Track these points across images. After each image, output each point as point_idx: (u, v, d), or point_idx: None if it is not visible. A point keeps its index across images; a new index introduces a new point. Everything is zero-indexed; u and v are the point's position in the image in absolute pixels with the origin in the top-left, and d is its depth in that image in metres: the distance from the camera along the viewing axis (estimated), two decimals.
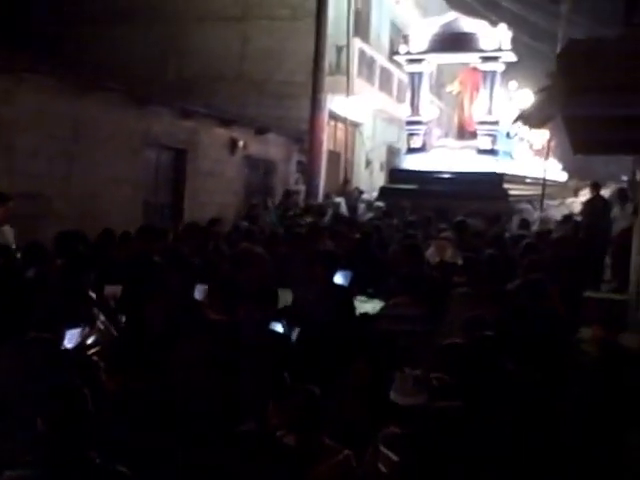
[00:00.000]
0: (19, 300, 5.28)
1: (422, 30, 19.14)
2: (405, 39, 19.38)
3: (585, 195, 17.93)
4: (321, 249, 7.66)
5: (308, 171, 18.42)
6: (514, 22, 20.19)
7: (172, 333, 5.07)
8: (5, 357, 4.30)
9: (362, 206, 17.33)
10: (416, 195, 16.25)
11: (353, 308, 6.64)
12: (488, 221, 12.60)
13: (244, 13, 19.61)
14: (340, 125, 21.82)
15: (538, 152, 25.42)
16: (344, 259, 7.44)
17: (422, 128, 19.23)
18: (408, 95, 19.72)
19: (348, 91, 19.26)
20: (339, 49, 19.70)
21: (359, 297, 7.20)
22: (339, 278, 7.00)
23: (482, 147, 18.48)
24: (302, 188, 18.38)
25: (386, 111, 23.62)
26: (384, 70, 23.17)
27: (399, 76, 23.73)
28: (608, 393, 4.75)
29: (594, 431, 4.46)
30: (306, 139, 18.41)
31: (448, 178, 17.76)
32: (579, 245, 10.86)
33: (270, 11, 19.40)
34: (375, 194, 18.78)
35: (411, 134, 19.38)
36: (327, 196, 18.15)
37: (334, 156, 21.69)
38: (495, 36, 18.22)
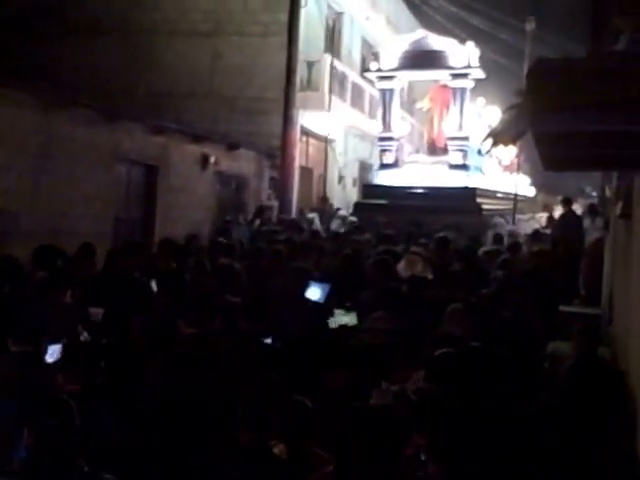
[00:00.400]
0: None
1: (392, 47, 19.49)
2: (376, 56, 19.65)
3: (559, 210, 18.21)
4: (293, 265, 7.73)
5: (280, 187, 18.42)
6: (481, 39, 20.48)
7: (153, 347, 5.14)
8: None
9: (337, 221, 17.36)
10: (390, 210, 16.43)
11: (325, 322, 6.68)
12: (467, 236, 12.73)
13: (215, 29, 19.62)
14: (312, 141, 21.85)
15: (507, 167, 25.75)
16: (327, 273, 7.69)
17: (394, 144, 19.44)
18: (380, 112, 19.95)
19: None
20: (310, 65, 19.76)
21: (337, 310, 7.22)
22: (316, 291, 7.15)
23: (453, 162, 18.72)
24: (275, 204, 18.37)
25: (358, 127, 23.70)
26: (356, 86, 23.26)
27: (371, 92, 23.84)
28: (582, 401, 4.87)
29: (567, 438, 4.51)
30: (278, 155, 18.42)
31: (421, 193, 17.96)
32: (555, 259, 10.98)
33: (241, 27, 19.43)
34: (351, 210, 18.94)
35: (383, 150, 19.59)
36: (300, 212, 18.16)
37: (306, 172, 21.71)
38: (464, 53, 18.55)
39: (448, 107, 19.07)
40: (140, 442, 4.34)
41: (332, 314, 6.92)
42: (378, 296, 6.75)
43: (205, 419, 4.58)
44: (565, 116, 2.80)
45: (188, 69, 19.23)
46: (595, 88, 2.64)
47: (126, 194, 14.26)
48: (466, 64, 18.46)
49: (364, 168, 26.22)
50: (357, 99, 23.41)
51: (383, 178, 19.27)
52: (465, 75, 18.60)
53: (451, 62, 18.57)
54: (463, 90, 18.73)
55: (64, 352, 5.02)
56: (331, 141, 23.05)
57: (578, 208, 17.91)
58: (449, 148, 18.96)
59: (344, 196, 23.39)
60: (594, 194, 18.69)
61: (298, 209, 18.64)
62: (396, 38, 20.99)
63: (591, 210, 14.64)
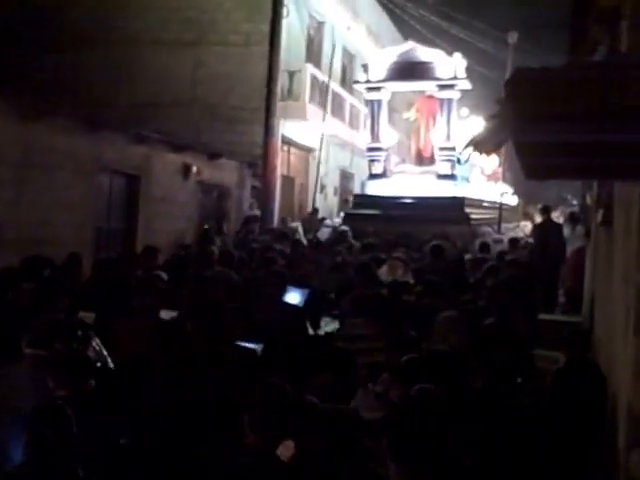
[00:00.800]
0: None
1: (381, 59, 19.62)
2: (365, 68, 19.75)
3: (539, 219, 18.51)
4: (272, 270, 7.96)
5: (262, 196, 18.43)
6: (464, 49, 20.62)
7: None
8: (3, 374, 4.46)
9: (326, 230, 17.49)
10: (380, 220, 16.64)
11: (304, 325, 6.92)
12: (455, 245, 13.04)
13: (197, 38, 19.65)
14: (293, 150, 21.90)
15: (490, 177, 25.90)
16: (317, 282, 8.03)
17: (382, 154, 19.57)
18: (368, 122, 20.08)
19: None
20: (291, 74, 19.83)
21: (324, 318, 7.52)
22: (296, 296, 7.30)
23: (441, 172, 18.87)
24: (257, 213, 18.37)
25: (339, 136, 23.77)
26: (336, 96, 23.34)
27: (351, 102, 23.95)
28: (570, 403, 4.97)
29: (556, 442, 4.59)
30: (260, 164, 18.43)
31: (410, 203, 18.15)
32: (530, 267, 11.07)
33: (223, 37, 19.47)
34: (337, 219, 19.29)
35: (372, 160, 19.69)
36: (282, 220, 18.19)
37: (288, 181, 21.74)
38: (451, 65, 18.72)
39: (434, 118, 19.30)
40: (139, 445, 4.40)
41: (317, 319, 7.04)
42: (358, 300, 6.92)
43: (209, 421, 4.61)
44: (544, 125, 2.83)
45: (170, 78, 19.23)
46: (573, 98, 2.67)
47: (108, 204, 14.20)
48: (453, 75, 18.66)
49: (345, 177, 26.34)
50: (338, 109, 23.50)
51: (372, 188, 19.42)
52: (452, 86, 18.79)
53: (438, 73, 18.76)
54: (450, 101, 18.94)
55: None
56: (312, 150, 23.13)
57: (560, 216, 18.14)
58: (436, 158, 19.12)
59: (325, 205, 23.44)
60: (575, 202, 18.81)
61: (280, 218, 18.67)
62: (384, 50, 21.05)
63: (571, 218, 14.73)
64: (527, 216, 25.39)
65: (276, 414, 3.89)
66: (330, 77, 21.20)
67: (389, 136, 20.11)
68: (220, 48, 19.33)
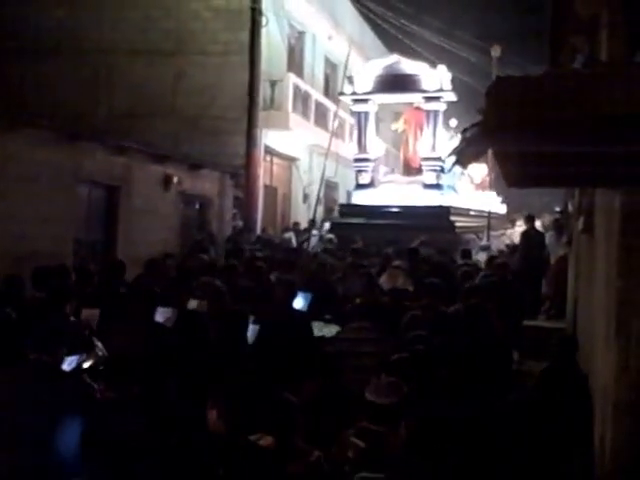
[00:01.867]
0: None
1: (367, 71, 20.11)
2: (350, 80, 20.14)
3: (521, 226, 18.96)
4: (281, 277, 8.54)
5: (245, 206, 18.36)
6: (448, 59, 20.96)
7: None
8: (7, 380, 4.62)
9: (314, 239, 17.78)
10: (367, 228, 17.17)
11: (310, 327, 7.30)
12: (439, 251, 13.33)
13: (177, 48, 19.56)
14: (276, 160, 21.86)
15: (478, 186, 26.12)
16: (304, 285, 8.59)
17: (370, 165, 20.06)
18: (355, 134, 20.56)
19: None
20: (273, 84, 19.81)
21: (317, 323, 7.83)
22: (299, 300, 7.91)
23: (428, 182, 19.35)
24: (240, 224, 18.31)
25: (322, 146, 23.72)
26: (319, 105, 23.35)
27: (335, 111, 23.94)
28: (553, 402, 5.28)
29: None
30: (242, 174, 18.36)
31: (397, 212, 18.66)
32: (516, 273, 11.34)
33: (203, 46, 19.39)
34: (326, 226, 19.86)
35: (359, 171, 20.14)
36: (263, 230, 18.14)
37: (271, 191, 21.69)
38: (436, 77, 19.24)
39: (422, 129, 19.79)
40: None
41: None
42: (362, 309, 7.25)
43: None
44: (523, 134, 2.81)
45: (150, 89, 19.13)
46: (551, 106, 2.64)
47: (87, 215, 14.08)
48: (439, 87, 19.16)
49: (329, 187, 26.27)
50: (321, 118, 23.50)
51: (360, 198, 19.89)
52: (438, 98, 19.30)
53: (424, 85, 19.27)
54: (436, 112, 19.42)
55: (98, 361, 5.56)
56: (295, 160, 23.12)
57: (545, 224, 18.50)
58: (423, 168, 19.56)
59: (308, 215, 23.37)
60: (557, 209, 18.99)
61: (262, 228, 18.62)
62: (370, 63, 21.41)
63: (556, 226, 14.81)
64: (513, 223, 25.66)
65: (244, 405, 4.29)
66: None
67: (376, 147, 20.54)
68: (200, 58, 19.24)
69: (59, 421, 4.27)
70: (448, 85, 19.29)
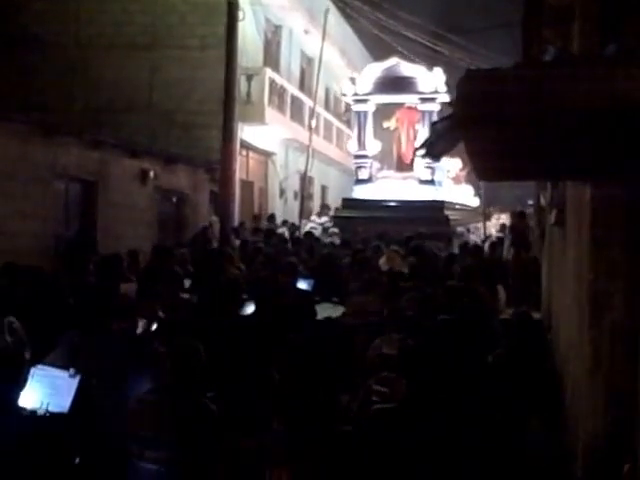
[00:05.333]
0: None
1: (367, 73, 21.71)
2: (352, 81, 21.74)
3: (499, 219, 21.51)
4: (283, 261, 9.49)
5: (221, 201, 18.30)
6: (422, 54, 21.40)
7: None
8: (94, 344, 5.46)
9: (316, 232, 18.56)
10: (367, 221, 18.17)
11: (314, 307, 7.94)
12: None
13: (153, 42, 19.45)
14: (252, 154, 21.83)
15: (454, 180, 26.37)
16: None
17: (368, 161, 21.54)
18: (355, 132, 22.11)
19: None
20: (249, 78, 19.78)
21: (324, 304, 8.39)
22: (303, 284, 8.77)
23: (423, 178, 20.83)
24: (215, 219, 18.24)
25: (298, 140, 23.74)
26: (295, 99, 23.33)
27: (310, 105, 23.92)
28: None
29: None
30: (218, 168, 18.31)
31: (395, 206, 19.97)
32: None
33: (179, 40, 19.30)
34: (323, 219, 21.32)
35: (359, 167, 21.69)
36: (241, 225, 18.10)
37: (247, 185, 21.66)
38: (432, 79, 20.74)
39: (414, 127, 21.27)
40: None
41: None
42: (364, 285, 8.13)
43: None
44: (492, 127, 2.84)
45: (126, 83, 19.01)
46: (518, 99, 2.68)
47: (65, 211, 14.05)
48: (434, 89, 20.58)
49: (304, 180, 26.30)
50: (297, 112, 23.49)
51: (359, 192, 21.27)
52: (433, 99, 20.63)
53: (420, 87, 20.76)
54: (431, 112, 20.57)
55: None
56: (271, 154, 23.11)
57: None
58: (418, 164, 20.67)
59: (285, 210, 23.40)
60: (530, 203, 19.21)
61: (239, 222, 18.58)
62: (371, 65, 22.91)
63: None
64: (489, 217, 25.96)
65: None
66: None
67: (374, 144, 21.92)
68: (176, 52, 19.15)
69: (138, 372, 5.16)
70: (443, 87, 20.48)
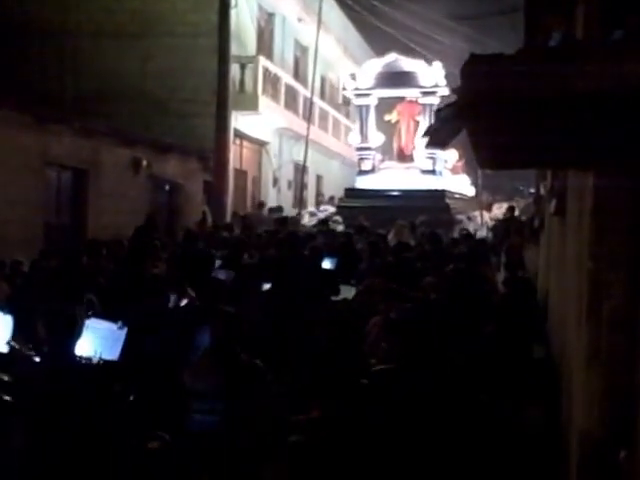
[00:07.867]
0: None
1: (368, 68, 22.39)
2: (352, 76, 22.49)
3: (500, 208, 21.75)
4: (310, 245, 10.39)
5: (214, 190, 18.20)
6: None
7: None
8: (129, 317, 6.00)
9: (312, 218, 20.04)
10: (370, 210, 18.41)
11: (337, 283, 9.16)
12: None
13: (144, 30, 19.16)
14: (246, 143, 21.72)
15: (451, 170, 26.45)
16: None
17: (371, 153, 22.23)
18: (357, 124, 22.89)
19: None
20: (243, 67, 19.64)
21: (343, 287, 9.23)
22: (328, 263, 10.00)
23: (424, 168, 21.55)
24: (205, 208, 18.14)
25: (292, 129, 23.62)
26: (289, 88, 23.20)
27: (305, 94, 23.79)
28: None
29: None
30: (211, 157, 18.20)
31: (398, 195, 20.61)
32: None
33: (171, 28, 19.09)
34: (325, 208, 22.44)
35: (362, 158, 22.40)
36: (234, 214, 18.00)
37: (241, 174, 21.56)
38: (432, 73, 21.38)
39: (415, 120, 22.02)
40: None
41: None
42: (375, 268, 9.06)
43: None
44: (496, 114, 2.78)
45: (118, 71, 18.83)
46: (523, 84, 2.61)
47: (56, 199, 13.95)
48: (434, 83, 21.20)
49: (299, 170, 26.17)
50: (291, 101, 23.37)
51: (362, 183, 21.94)
52: (433, 93, 21.26)
53: (421, 81, 21.40)
54: (431, 106, 21.01)
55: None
56: (265, 143, 22.99)
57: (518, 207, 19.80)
58: (420, 156, 21.44)
59: (278, 199, 23.29)
60: (532, 191, 19.29)
61: (232, 212, 18.48)
62: (372, 61, 23.38)
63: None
64: (489, 207, 26.18)
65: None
66: None
67: (376, 137, 22.55)
68: (167, 39, 18.92)
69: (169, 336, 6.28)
70: (442, 81, 21.09)
